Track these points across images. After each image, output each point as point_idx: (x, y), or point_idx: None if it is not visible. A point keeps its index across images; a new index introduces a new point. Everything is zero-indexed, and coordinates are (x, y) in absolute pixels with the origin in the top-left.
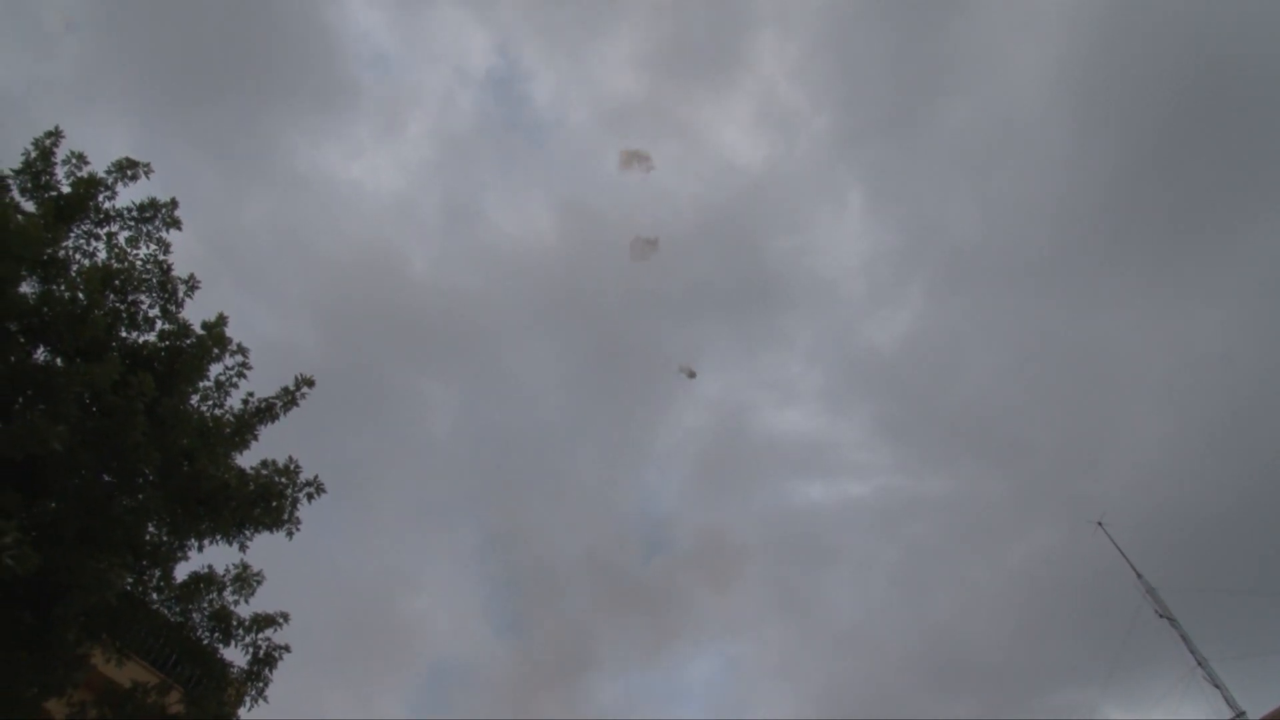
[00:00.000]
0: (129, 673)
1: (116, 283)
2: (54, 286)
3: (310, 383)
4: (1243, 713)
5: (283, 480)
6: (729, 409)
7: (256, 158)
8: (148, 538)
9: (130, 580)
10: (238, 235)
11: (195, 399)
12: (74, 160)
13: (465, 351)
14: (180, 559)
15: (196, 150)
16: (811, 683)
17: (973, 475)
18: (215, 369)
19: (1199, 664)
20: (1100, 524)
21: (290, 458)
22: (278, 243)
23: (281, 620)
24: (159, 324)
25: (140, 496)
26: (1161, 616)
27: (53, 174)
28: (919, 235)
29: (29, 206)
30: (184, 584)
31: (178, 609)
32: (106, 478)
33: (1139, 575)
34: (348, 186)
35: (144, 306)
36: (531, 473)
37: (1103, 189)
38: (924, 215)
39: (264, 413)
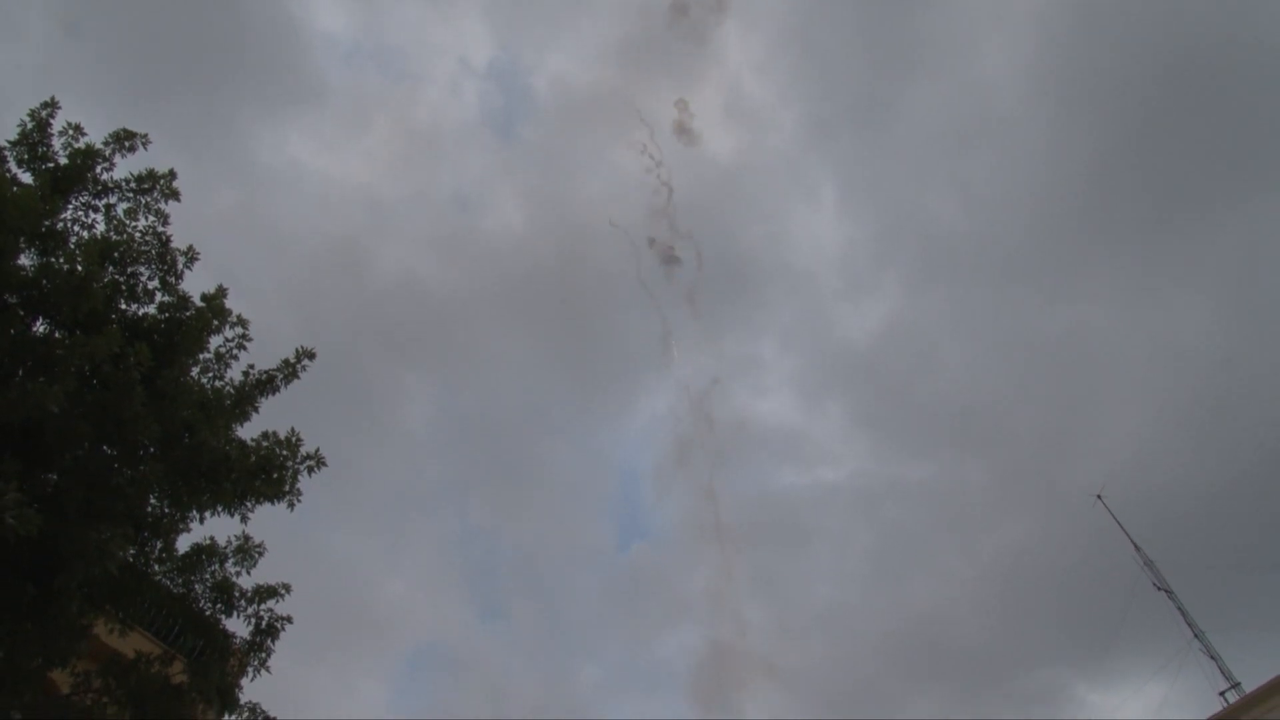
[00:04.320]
0: (132, 643)
1: (115, 255)
2: (53, 259)
3: (311, 355)
4: (1238, 683)
5: (284, 452)
6: (703, 397)
7: (225, 150)
8: (149, 509)
9: (132, 551)
10: (208, 226)
11: (195, 371)
12: (70, 131)
13: (441, 341)
14: (182, 530)
15: (165, 142)
16: (788, 664)
17: (951, 463)
18: (215, 341)
19: (1196, 636)
20: (1099, 497)
21: (292, 429)
22: (249, 234)
23: (284, 591)
24: (158, 296)
25: (141, 468)
26: (1159, 589)
27: (49, 145)
28: (894, 225)
29: (26, 178)
30: (186, 555)
31: (180, 580)
32: (107, 450)
33: (1137, 548)
34: (318, 179)
35: (143, 279)
36: (509, 461)
37: (1080, 178)
38: (899, 205)
39: (264, 385)
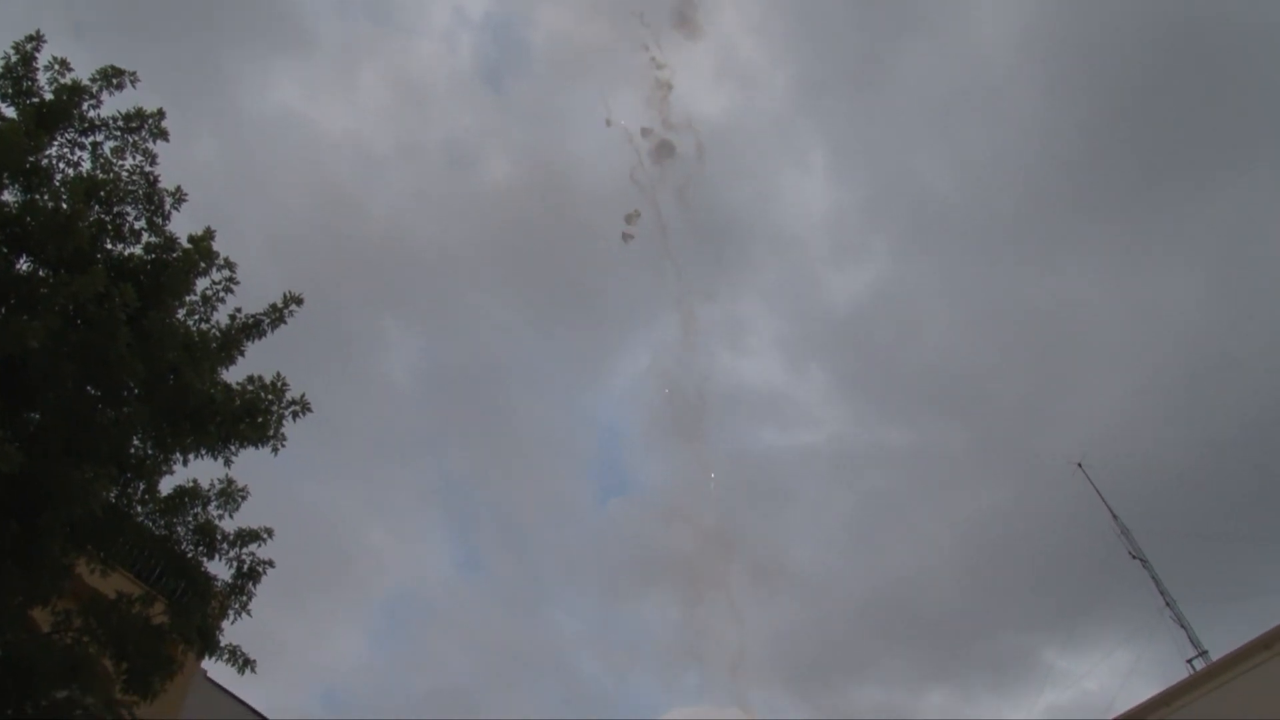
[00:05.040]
0: (113, 583)
1: (102, 193)
2: (37, 196)
3: (299, 300)
4: (1205, 651)
5: (269, 397)
6: (684, 355)
7: (210, 96)
8: (132, 450)
9: (115, 492)
10: (192, 171)
11: (181, 313)
12: (56, 66)
13: (425, 292)
14: (165, 472)
15: (148, 84)
16: (761, 623)
17: (932, 429)
18: (202, 283)
19: (1167, 604)
20: (1080, 465)
21: (278, 374)
22: (233, 180)
23: (265, 536)
24: (145, 237)
25: (125, 409)
26: (1134, 557)
27: (34, 79)
28: (884, 191)
29: (9, 112)
30: (169, 497)
31: (162, 522)
32: (91, 390)
33: (1115, 516)
34: (306, 127)
35: (130, 219)
36: (490, 414)
37: (1073, 148)
38: (890, 171)
39: (251, 329)
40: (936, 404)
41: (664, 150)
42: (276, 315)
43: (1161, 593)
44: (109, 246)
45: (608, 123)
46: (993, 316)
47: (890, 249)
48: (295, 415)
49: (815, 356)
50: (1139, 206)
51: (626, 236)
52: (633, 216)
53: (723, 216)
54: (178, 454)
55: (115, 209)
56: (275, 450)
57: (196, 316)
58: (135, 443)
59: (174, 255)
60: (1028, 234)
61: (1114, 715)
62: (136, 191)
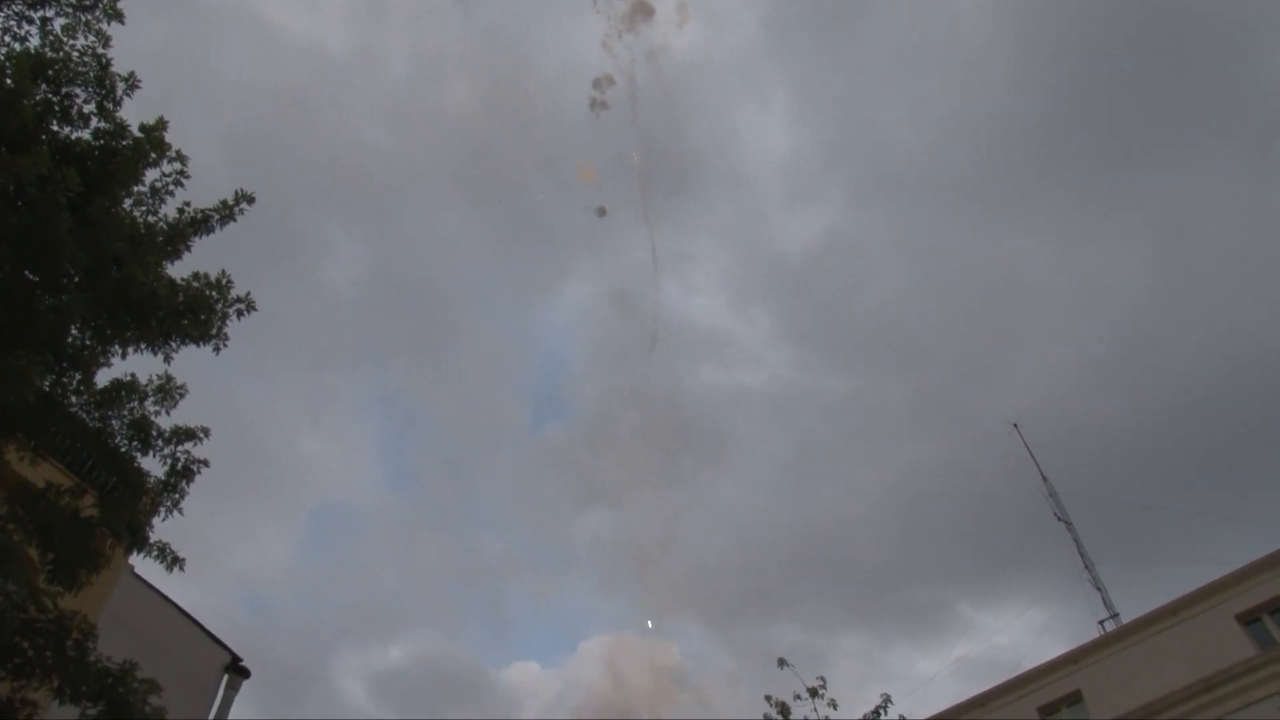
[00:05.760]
0: (43, 473)
1: (50, 72)
2: None
3: (250, 199)
4: (1117, 614)
5: (213, 294)
6: (629, 287)
7: None
8: (70, 340)
9: (49, 381)
10: (143, 58)
11: (129, 204)
12: None
13: (374, 203)
14: (103, 365)
15: None
16: (687, 558)
17: (873, 379)
18: (151, 174)
19: (1086, 567)
20: (1016, 426)
21: (223, 271)
22: (186, 72)
23: (202, 435)
24: (94, 122)
25: (64, 297)
26: (1059, 519)
27: None
28: (844, 139)
29: None
30: (105, 390)
31: (97, 414)
32: (30, 275)
33: (1045, 478)
34: (264, 23)
35: (79, 101)
36: (434, 331)
37: (1035, 112)
38: (852, 119)
39: (199, 224)
40: (879, 355)
41: (641, 11)
42: (226, 212)
43: (1082, 555)
44: (55, 129)
45: None
46: (942, 273)
47: (845, 198)
48: (239, 314)
49: (761, 298)
50: (1096, 178)
51: (595, 104)
52: (602, 81)
53: (679, 151)
54: (116, 346)
55: (64, 90)
56: (217, 349)
57: (144, 208)
58: (73, 332)
59: (124, 143)
60: (984, 195)
61: (1022, 670)
62: (87, 73)
